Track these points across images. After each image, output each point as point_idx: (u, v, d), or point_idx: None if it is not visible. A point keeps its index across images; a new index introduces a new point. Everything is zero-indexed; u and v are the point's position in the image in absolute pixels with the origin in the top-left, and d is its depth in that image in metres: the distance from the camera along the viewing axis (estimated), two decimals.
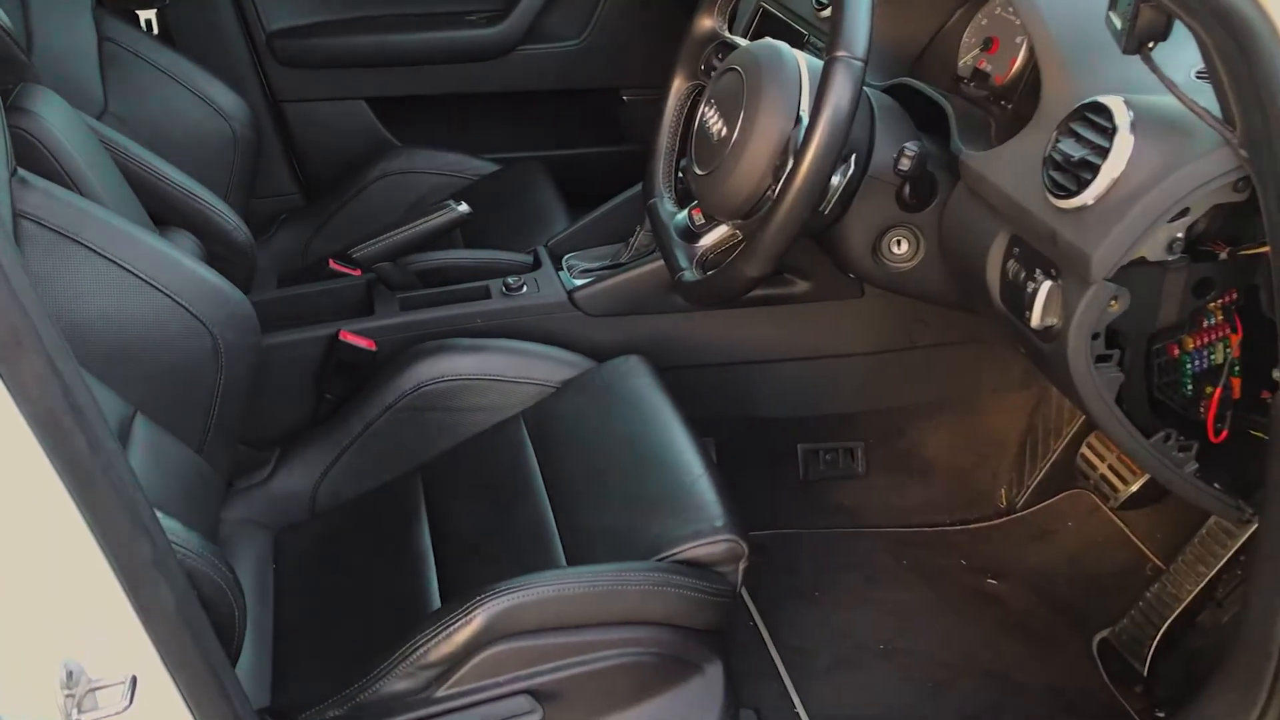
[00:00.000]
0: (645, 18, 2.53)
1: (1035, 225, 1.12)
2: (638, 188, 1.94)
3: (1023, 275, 1.16)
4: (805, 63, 1.27)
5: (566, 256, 1.88)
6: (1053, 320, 1.11)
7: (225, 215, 1.78)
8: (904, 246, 1.33)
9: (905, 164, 1.21)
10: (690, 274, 1.32)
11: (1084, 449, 1.67)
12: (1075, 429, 1.83)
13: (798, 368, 1.82)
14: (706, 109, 1.34)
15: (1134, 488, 1.57)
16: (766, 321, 1.78)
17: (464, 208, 1.77)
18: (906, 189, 1.27)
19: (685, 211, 1.41)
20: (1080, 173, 1.04)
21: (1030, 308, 1.12)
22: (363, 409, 1.63)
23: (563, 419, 1.58)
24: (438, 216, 1.75)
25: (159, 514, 0.98)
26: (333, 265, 1.86)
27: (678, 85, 1.49)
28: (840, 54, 1.12)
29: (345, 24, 2.43)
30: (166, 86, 2.14)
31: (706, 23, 1.46)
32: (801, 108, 1.24)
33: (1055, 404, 1.88)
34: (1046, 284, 1.11)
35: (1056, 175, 1.08)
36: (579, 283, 1.78)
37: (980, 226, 1.23)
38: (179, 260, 1.49)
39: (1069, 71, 1.14)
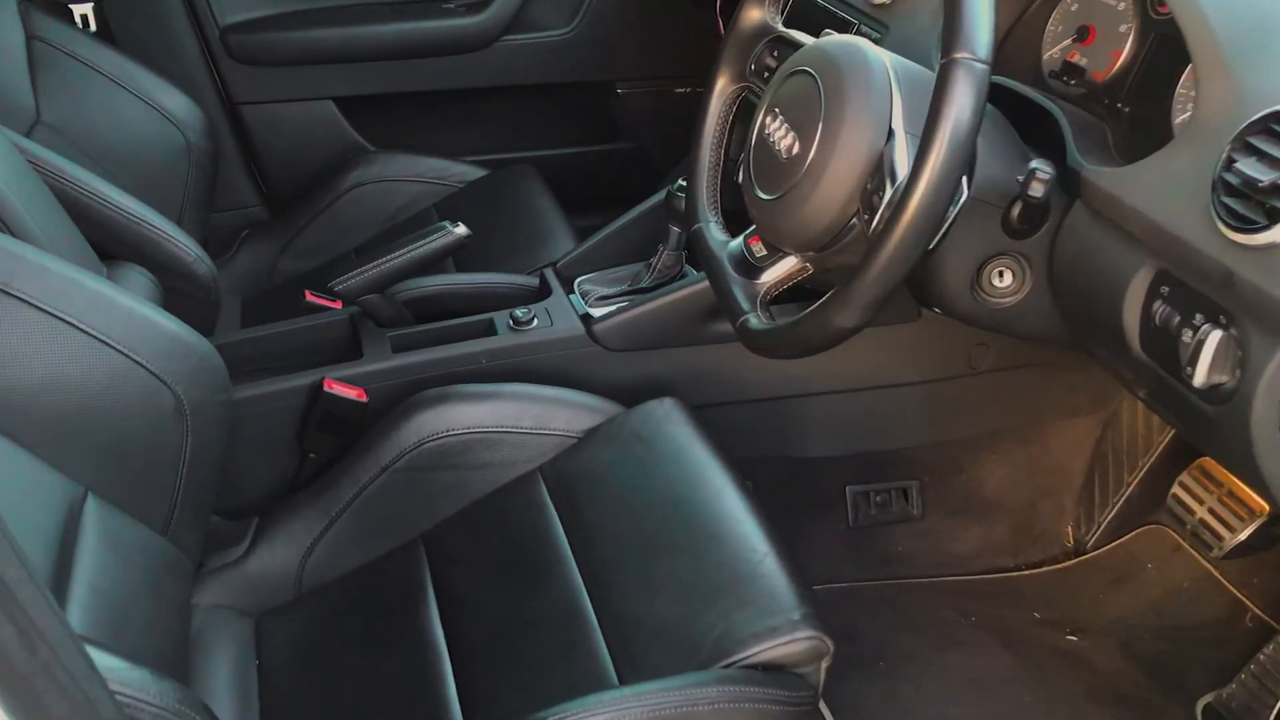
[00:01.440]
0: (640, 3, 2.29)
1: (1198, 262, 0.91)
2: (654, 199, 1.72)
3: (1176, 321, 0.95)
4: (892, 63, 1.05)
5: (579, 280, 1.65)
6: (1223, 378, 0.90)
7: (183, 244, 1.53)
8: (1007, 279, 1.11)
9: (1037, 189, 0.99)
10: (756, 320, 1.10)
11: (1177, 489, 1.47)
12: (1154, 460, 1.63)
13: (845, 401, 1.61)
14: (768, 120, 1.11)
15: (1243, 535, 1.38)
16: None
17: (462, 229, 1.53)
18: (1016, 211, 1.06)
19: (740, 240, 1.19)
20: (1272, 201, 0.83)
21: (1192, 363, 0.91)
22: (354, 471, 1.39)
23: (589, 475, 1.35)
24: (431, 241, 1.52)
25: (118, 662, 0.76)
26: (310, 298, 1.62)
27: (722, 87, 1.26)
28: (960, 55, 0.90)
29: (309, 16, 2.17)
30: (108, 91, 1.88)
31: (755, 13, 1.23)
32: (894, 119, 1.02)
33: (1127, 430, 1.68)
34: (1215, 334, 0.90)
35: (1234, 203, 0.87)
36: (597, 313, 1.55)
37: (1112, 259, 1.01)
38: (131, 308, 1.25)
39: (1235, 71, 0.93)
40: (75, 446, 1.18)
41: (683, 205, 1.54)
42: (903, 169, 0.99)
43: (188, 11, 2.09)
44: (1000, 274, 1.12)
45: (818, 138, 1.03)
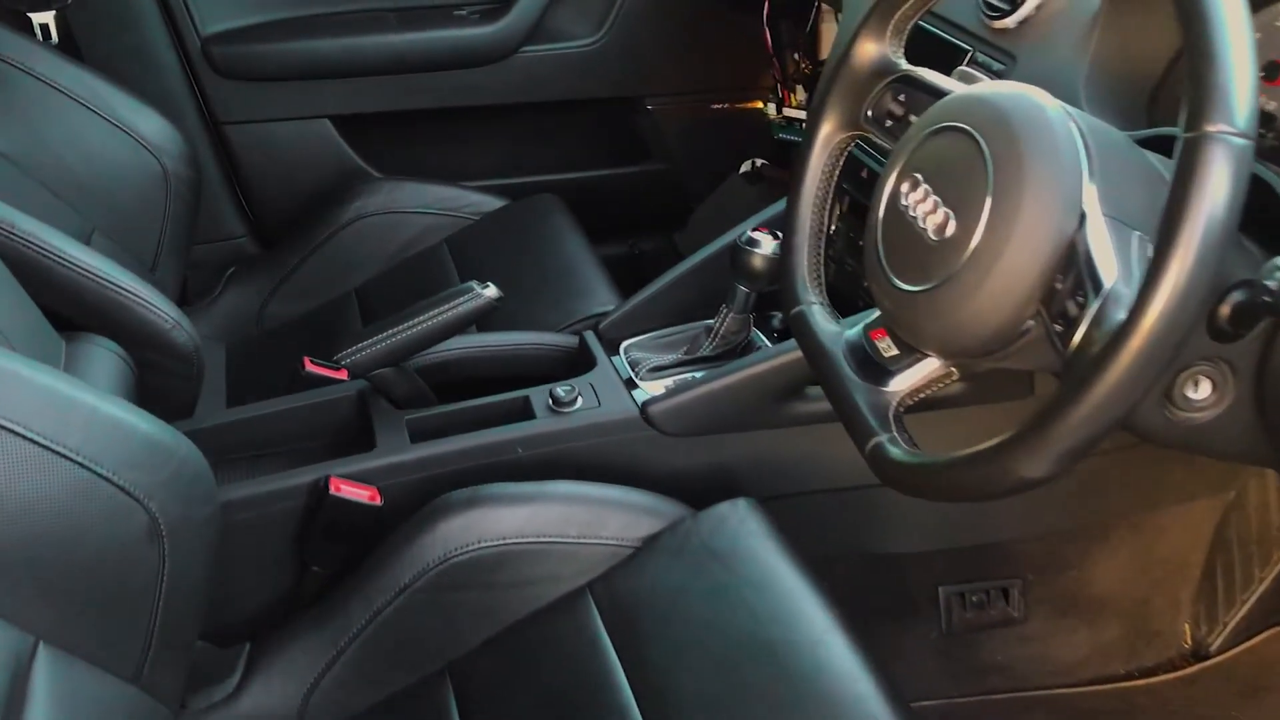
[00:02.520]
0: (674, 9, 2.05)
1: None
2: (714, 248, 1.47)
3: None
4: (1081, 123, 0.81)
5: (627, 345, 1.41)
6: None
7: (158, 309, 1.28)
8: (1205, 389, 0.87)
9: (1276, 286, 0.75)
10: (896, 447, 0.86)
11: None
12: None
13: None
14: (905, 187, 0.87)
15: None
16: None
17: (492, 291, 1.29)
18: (1225, 310, 0.82)
19: (859, 332, 0.95)
20: None
21: None
22: (366, 590, 1.15)
23: (652, 599, 1.12)
24: (455, 306, 1.27)
25: None
26: (310, 367, 1.37)
27: (827, 134, 1.01)
28: (1215, 128, 0.66)
29: (303, 24, 1.92)
30: (71, 113, 1.62)
31: (871, 47, 0.99)
32: (1085, 198, 0.78)
33: (1255, 516, 1.45)
34: None
35: None
36: (651, 388, 1.31)
37: None
38: (93, 407, 1.00)
39: None
40: (23, 586, 0.93)
41: (755, 262, 1.31)
42: (1105, 265, 0.75)
43: (164, 20, 1.84)
44: (1196, 384, 0.88)
45: (985, 217, 0.79)
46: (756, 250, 1.31)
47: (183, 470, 1.06)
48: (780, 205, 1.50)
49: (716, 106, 2.14)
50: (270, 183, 1.96)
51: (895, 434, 0.89)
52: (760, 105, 2.15)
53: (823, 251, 1.03)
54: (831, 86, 1.02)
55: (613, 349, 1.41)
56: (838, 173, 1.03)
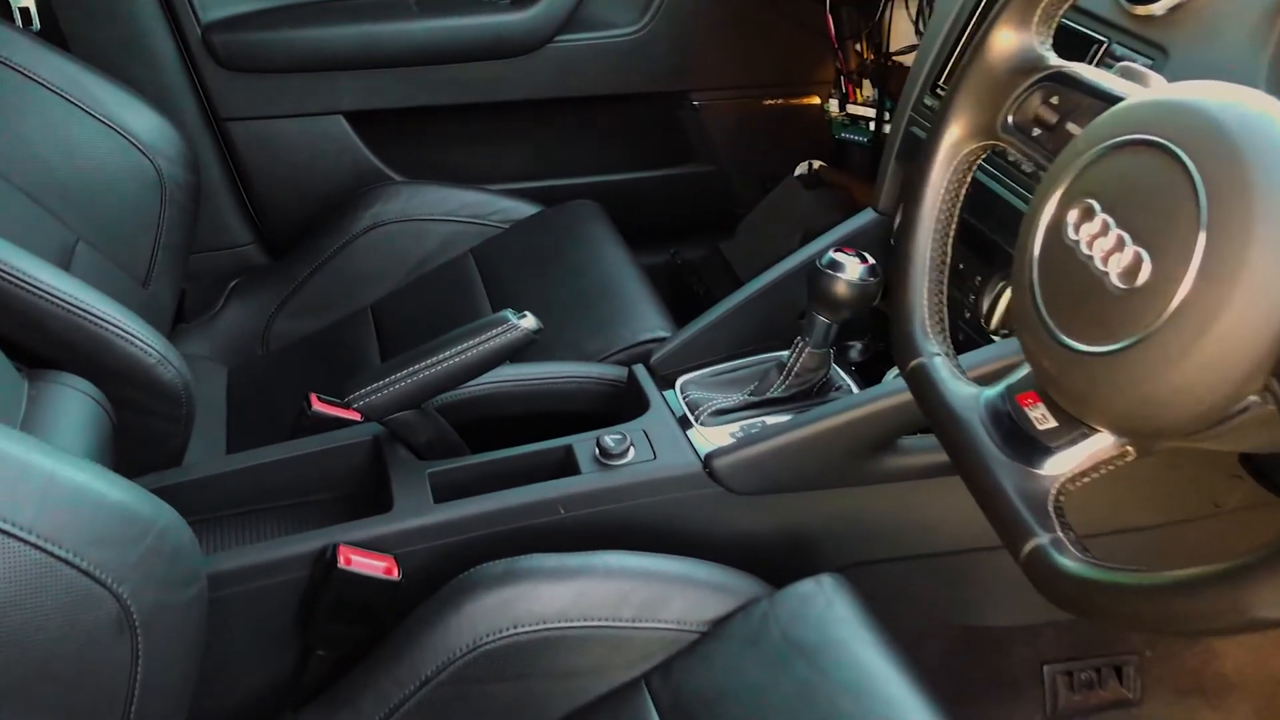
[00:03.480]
0: None
1: None
2: (785, 269, 1.28)
3: None
4: None
5: (683, 382, 1.22)
6: None
7: (141, 341, 1.10)
8: None
9: None
10: (1065, 556, 0.67)
11: None
12: None
13: None
14: (1073, 215, 0.67)
15: None
16: None
17: (530, 322, 1.09)
18: None
19: (1000, 393, 0.75)
20: None
21: None
22: (380, 683, 0.97)
23: (719, 695, 0.93)
24: (486, 340, 1.08)
25: None
26: (317, 406, 1.18)
27: (954, 142, 0.81)
28: None
29: (314, 10, 1.74)
30: (53, 109, 1.44)
31: (1012, 36, 0.79)
32: None
33: None
34: None
35: None
36: (716, 441, 1.12)
37: None
38: (51, 472, 0.81)
39: None
40: None
41: (838, 289, 1.11)
42: None
43: (160, 4, 1.65)
44: None
45: (1196, 260, 0.60)
46: (840, 275, 1.12)
47: (161, 546, 0.88)
48: (863, 218, 1.31)
49: (769, 103, 1.94)
50: (277, 186, 1.78)
51: (1060, 533, 0.69)
52: (818, 101, 1.95)
53: (945, 288, 0.83)
54: (961, 86, 0.82)
55: (667, 385, 1.22)
56: (964, 192, 0.84)
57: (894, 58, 1.73)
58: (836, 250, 1.14)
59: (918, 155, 0.85)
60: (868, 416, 1.05)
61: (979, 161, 0.84)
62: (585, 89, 1.84)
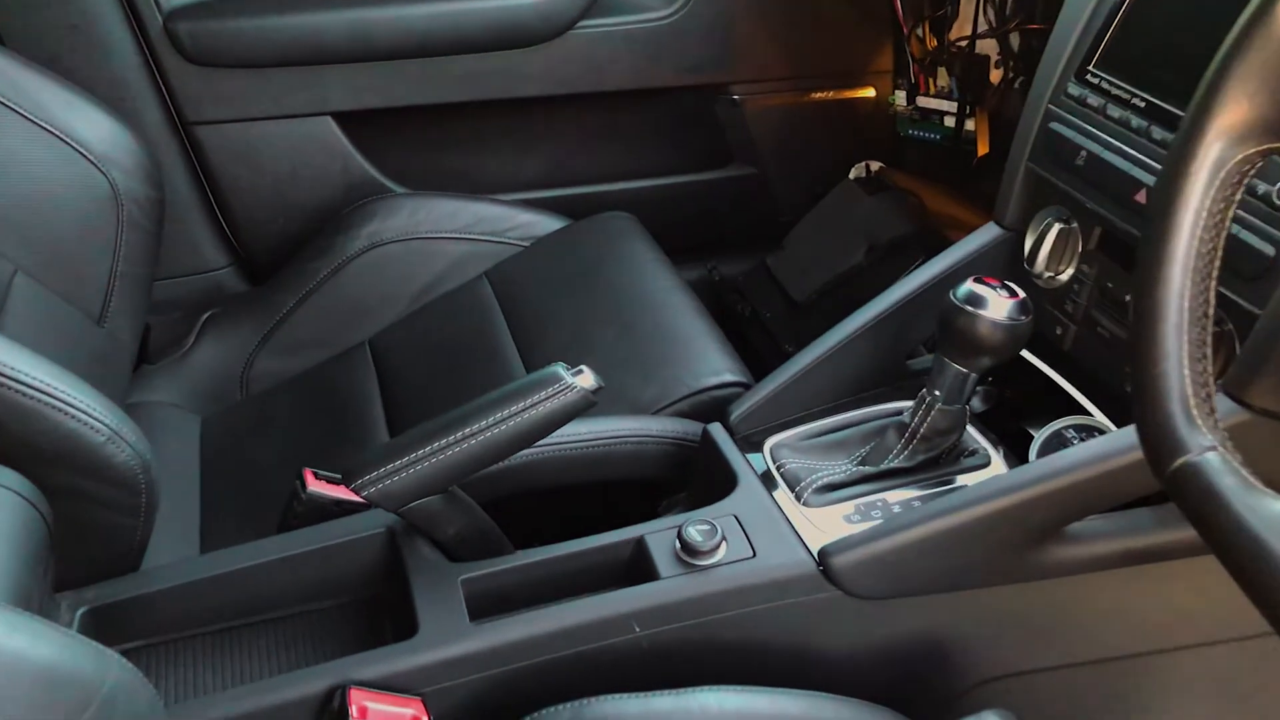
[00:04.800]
0: None
1: None
2: (896, 297, 1.04)
3: None
4: None
5: (773, 445, 0.98)
6: None
7: (84, 412, 0.84)
8: None
9: None
10: None
11: None
12: None
13: (1235, 654, 0.94)
14: None
15: None
16: (1181, 583, 0.89)
17: (590, 381, 0.84)
18: None
19: None
20: None
21: None
22: None
23: None
24: (533, 406, 0.83)
25: None
26: (313, 486, 0.93)
27: (1221, 154, 0.56)
28: None
29: None
30: None
31: None
32: None
33: None
34: None
35: None
36: (830, 530, 0.87)
37: None
38: None
39: None
40: None
41: (982, 332, 0.87)
42: None
43: None
44: None
45: None
46: (983, 313, 0.87)
47: (109, 713, 0.63)
48: (985, 235, 1.06)
49: (820, 97, 1.70)
50: (257, 201, 1.52)
51: None
52: (874, 94, 1.71)
53: (1209, 350, 0.59)
54: (1229, 73, 0.58)
55: (750, 447, 0.98)
56: (1230, 217, 0.59)
57: (959, 44, 1.49)
58: (976, 281, 0.89)
59: (1165, 167, 0.60)
60: (1033, 501, 0.81)
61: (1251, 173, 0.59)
62: (611, 83, 1.59)
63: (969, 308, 0.88)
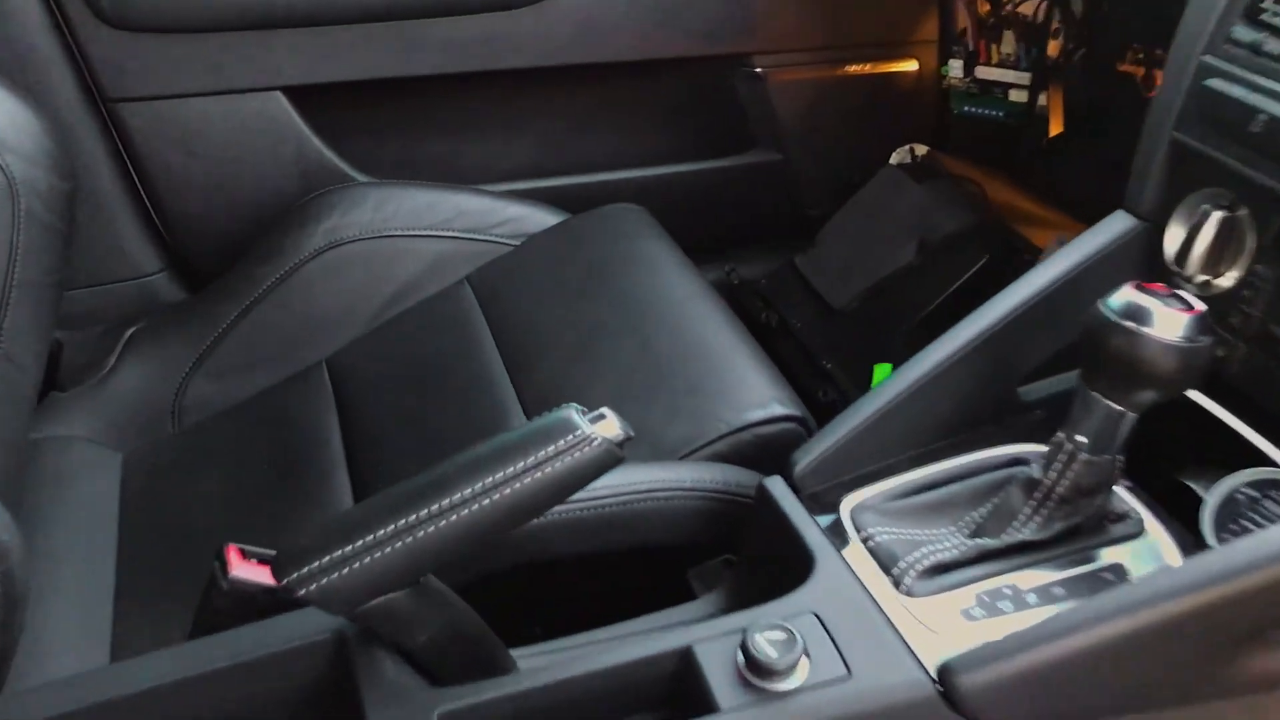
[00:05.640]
0: None
1: None
2: (985, 321, 0.80)
3: None
4: None
5: (853, 509, 0.74)
6: None
7: None
8: None
9: None
10: None
11: None
12: None
13: None
14: None
15: None
16: None
17: (618, 428, 0.60)
18: None
19: None
20: None
21: None
22: None
23: None
24: (540, 466, 0.59)
25: None
26: (238, 569, 0.69)
27: None
28: None
29: None
30: None
31: None
32: None
33: None
34: None
35: None
36: (947, 633, 0.64)
37: None
38: None
39: None
40: None
41: (1153, 358, 0.63)
42: None
43: None
44: None
45: None
46: (1150, 332, 0.64)
47: None
48: (1114, 226, 0.82)
49: (855, 69, 1.46)
50: (194, 193, 1.28)
51: None
52: (916, 67, 1.47)
53: None
54: None
55: (821, 507, 0.74)
56: None
57: (1018, 7, 1.27)
58: (1136, 288, 0.66)
59: None
60: (1237, 598, 0.57)
61: None
62: (614, 52, 1.35)
63: (1129, 324, 0.64)
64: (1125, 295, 0.65)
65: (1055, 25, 1.31)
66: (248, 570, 0.70)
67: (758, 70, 1.43)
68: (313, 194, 1.24)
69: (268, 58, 1.25)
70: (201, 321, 1.20)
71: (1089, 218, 1.28)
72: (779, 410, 0.88)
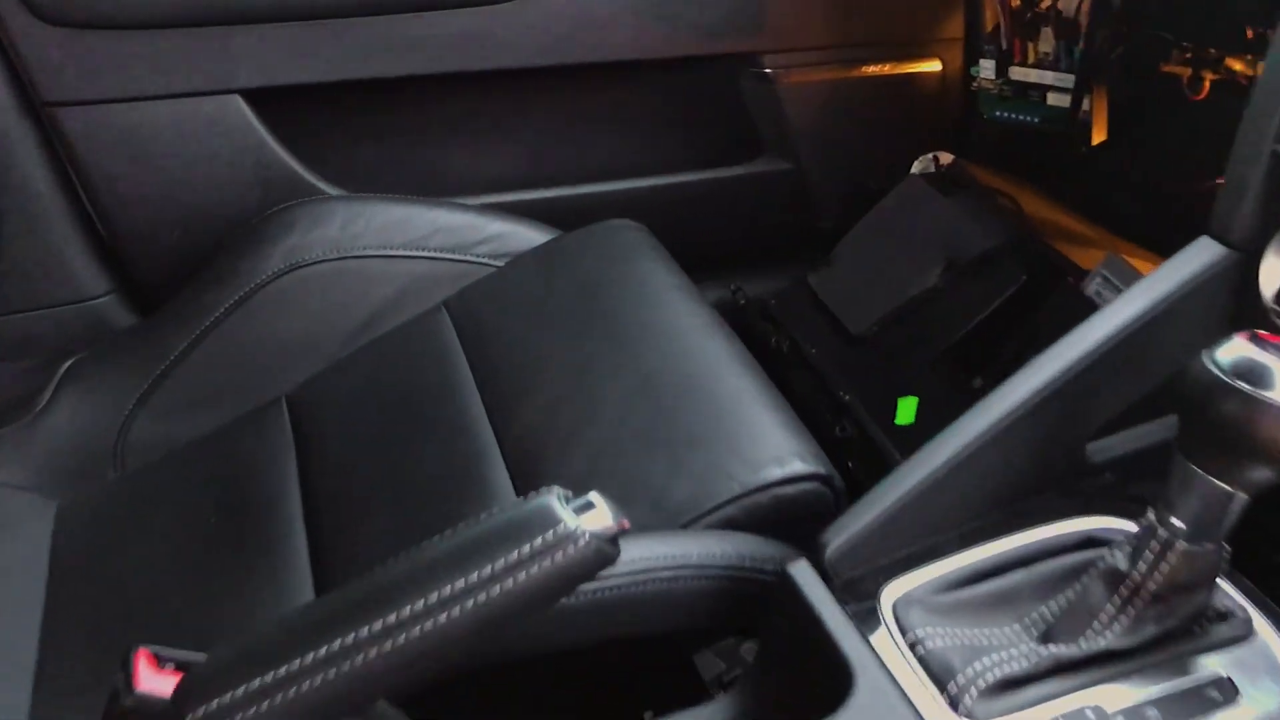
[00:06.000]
0: None
1: None
2: (1053, 370, 0.67)
3: None
4: None
5: (897, 602, 0.61)
6: None
7: None
8: None
9: None
10: None
11: None
12: None
13: None
14: None
15: None
16: None
17: (605, 519, 0.48)
18: None
19: None
20: None
21: None
22: None
23: None
24: (509, 574, 0.47)
25: None
26: (145, 679, 0.56)
27: None
28: None
29: None
30: None
31: None
32: None
33: None
34: None
35: None
36: None
37: None
38: None
39: None
40: None
41: (1269, 427, 0.51)
42: None
43: None
44: None
45: None
46: (1269, 399, 0.51)
47: None
48: (1200, 255, 0.70)
49: (873, 70, 1.34)
50: (143, 206, 1.15)
51: None
52: (939, 68, 1.35)
53: None
54: None
55: (855, 596, 0.62)
56: None
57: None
58: (1250, 339, 0.53)
59: None
60: None
61: None
62: (609, 51, 1.22)
63: (1243, 386, 0.52)
64: (1237, 349, 0.53)
65: (1086, 20, 1.19)
66: (157, 683, 0.57)
67: (766, 71, 1.30)
68: (273, 209, 1.12)
69: (224, 57, 1.12)
70: (148, 352, 1.07)
71: (1135, 235, 1.17)
72: (801, 468, 0.76)
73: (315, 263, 1.05)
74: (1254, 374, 0.52)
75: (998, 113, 1.23)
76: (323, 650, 0.46)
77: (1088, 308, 1.05)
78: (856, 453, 1.14)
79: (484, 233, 1.10)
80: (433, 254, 1.08)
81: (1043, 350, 0.67)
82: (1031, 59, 1.17)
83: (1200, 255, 0.69)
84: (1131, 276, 1.03)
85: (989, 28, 1.30)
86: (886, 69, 1.34)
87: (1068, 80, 1.13)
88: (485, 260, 1.09)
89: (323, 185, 1.18)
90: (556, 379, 0.91)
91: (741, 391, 0.84)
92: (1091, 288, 1.05)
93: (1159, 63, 1.15)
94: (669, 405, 0.84)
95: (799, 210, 1.39)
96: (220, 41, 1.11)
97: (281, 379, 1.04)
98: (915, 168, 1.33)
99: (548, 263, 1.06)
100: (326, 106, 1.19)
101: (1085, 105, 1.13)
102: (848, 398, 1.18)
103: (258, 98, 1.15)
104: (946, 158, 1.32)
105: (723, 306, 1.39)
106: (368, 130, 1.22)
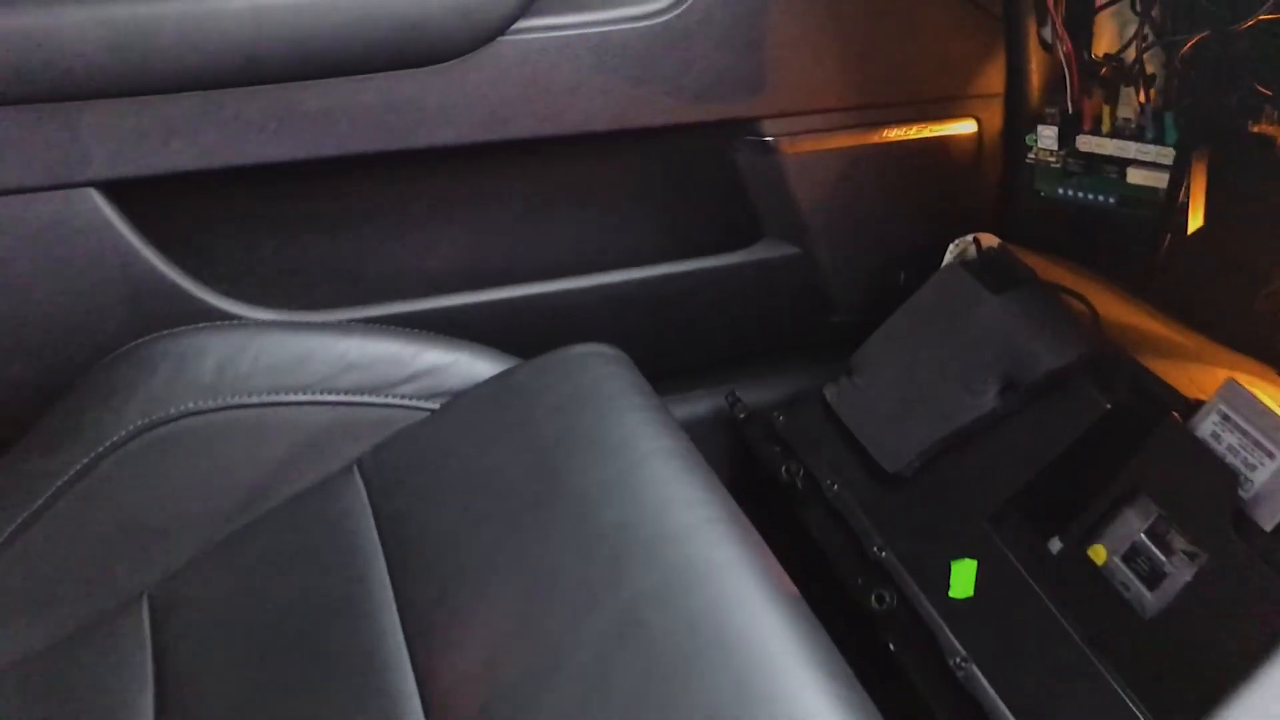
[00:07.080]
0: None
1: None
2: None
3: None
4: None
5: None
6: None
7: None
8: None
9: None
10: None
11: None
12: None
13: None
14: None
15: None
16: None
17: None
18: None
19: None
20: None
21: None
22: None
23: None
24: None
25: None
26: None
27: None
28: None
29: None
30: None
31: None
32: None
33: None
34: None
35: None
36: None
37: None
38: None
39: None
40: None
41: None
42: None
43: None
44: None
45: None
46: None
47: None
48: None
49: (894, 134, 1.10)
50: None
51: None
52: (974, 130, 1.11)
53: None
54: None
55: None
56: None
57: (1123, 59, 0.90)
58: None
59: None
60: None
61: None
62: (573, 121, 0.98)
63: None
64: None
65: (1150, 71, 0.95)
66: None
67: (766, 139, 1.06)
68: (137, 340, 0.86)
69: (73, 140, 0.86)
70: None
71: (1247, 346, 0.93)
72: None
73: (182, 416, 0.79)
74: None
75: (1060, 190, 0.98)
76: None
77: (1204, 455, 0.81)
78: (898, 627, 0.89)
79: (411, 366, 0.84)
80: (342, 397, 0.82)
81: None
82: (1106, 127, 0.93)
83: None
84: (1259, 413, 0.79)
85: (1037, 82, 1.06)
86: (911, 132, 1.10)
87: (1166, 155, 0.88)
88: (413, 403, 0.83)
89: (211, 299, 0.93)
90: (503, 598, 0.65)
91: (760, 615, 0.58)
92: (1206, 427, 0.81)
93: (1248, 122, 0.92)
94: (660, 647, 0.58)
95: (808, 304, 1.14)
96: (67, 122, 0.86)
97: (139, 574, 0.78)
98: (950, 253, 1.09)
99: (495, 408, 0.81)
100: (213, 198, 0.93)
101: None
102: (884, 554, 0.93)
103: (120, 190, 0.89)
104: (989, 240, 1.08)
105: (718, 420, 1.15)
106: (268, 226, 0.97)
